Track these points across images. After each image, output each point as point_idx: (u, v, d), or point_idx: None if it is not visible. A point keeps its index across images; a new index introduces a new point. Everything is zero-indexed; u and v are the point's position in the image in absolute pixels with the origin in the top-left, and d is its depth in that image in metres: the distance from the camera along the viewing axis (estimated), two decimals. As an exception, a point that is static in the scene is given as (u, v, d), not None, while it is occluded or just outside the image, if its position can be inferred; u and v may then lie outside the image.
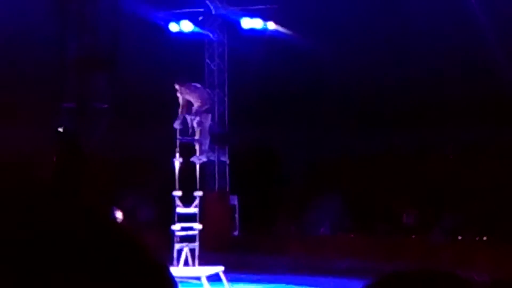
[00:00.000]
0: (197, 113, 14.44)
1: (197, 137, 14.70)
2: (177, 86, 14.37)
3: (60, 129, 19.69)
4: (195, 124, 14.57)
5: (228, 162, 21.07)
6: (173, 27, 20.35)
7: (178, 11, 20.48)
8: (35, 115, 18.98)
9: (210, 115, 14.84)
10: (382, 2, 19.69)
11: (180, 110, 14.43)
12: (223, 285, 13.77)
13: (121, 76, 19.09)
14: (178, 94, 14.34)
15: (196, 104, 14.41)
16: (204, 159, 15.04)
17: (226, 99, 21.11)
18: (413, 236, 18.23)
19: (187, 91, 14.32)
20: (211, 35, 20.84)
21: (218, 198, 20.20)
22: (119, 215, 15.36)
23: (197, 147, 14.86)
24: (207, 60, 20.99)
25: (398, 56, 19.50)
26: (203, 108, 14.43)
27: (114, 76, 19.27)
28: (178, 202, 14.68)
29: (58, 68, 19.57)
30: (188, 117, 14.53)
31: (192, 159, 14.77)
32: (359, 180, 19.93)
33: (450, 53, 19.14)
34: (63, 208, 1.09)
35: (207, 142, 14.90)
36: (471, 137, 19.26)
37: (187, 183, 15.10)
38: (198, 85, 14.56)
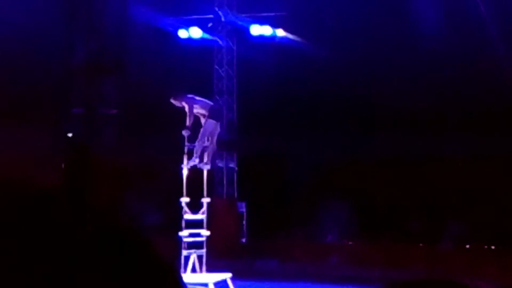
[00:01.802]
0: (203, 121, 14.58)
1: (206, 144, 14.75)
2: (173, 101, 14.52)
3: (69, 135, 19.75)
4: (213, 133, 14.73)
5: (236, 168, 21.05)
6: (182, 33, 20.37)
7: (187, 17, 20.51)
8: (43, 120, 19.03)
9: (217, 123, 14.88)
10: (392, 8, 19.66)
11: (188, 119, 14.54)
12: (230, 291, 13.76)
13: (130, 82, 19.12)
14: (184, 106, 14.46)
15: (199, 113, 14.57)
16: (208, 167, 15.06)
17: (234, 106, 21.10)
18: (421, 244, 18.17)
19: (183, 103, 14.46)
20: (220, 41, 20.85)
21: (226, 204, 20.19)
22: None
23: (205, 153, 14.89)
24: (216, 67, 21.00)
25: (408, 62, 19.47)
26: (204, 116, 14.57)
27: (122, 81, 19.31)
28: (185, 208, 14.68)
29: (66, 73, 19.62)
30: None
31: (199, 165, 14.81)
32: (367, 187, 19.90)
33: (460, 59, 19.11)
34: (77, 211, 1.09)
35: (209, 148, 14.92)
36: (480, 144, 19.20)
37: (196, 189, 15.11)
38: (190, 95, 14.66)
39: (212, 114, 14.70)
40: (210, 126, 14.58)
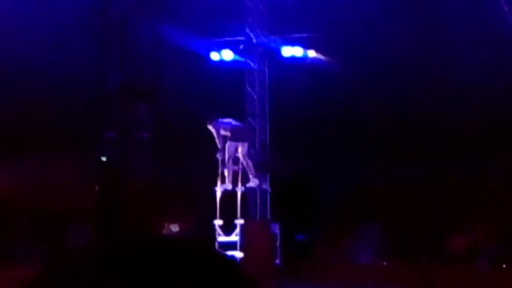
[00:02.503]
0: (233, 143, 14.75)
1: (235, 166, 14.90)
2: (208, 126, 14.74)
3: (103, 159, 19.88)
4: (239, 154, 14.82)
5: (269, 190, 21.00)
6: (214, 56, 20.48)
7: (219, 40, 20.61)
8: (77, 144, 19.21)
9: (242, 144, 15.03)
10: (425, 25, 19.59)
11: (217, 142, 14.75)
12: (264, 314, 13.73)
13: (163, 105, 19.24)
14: (212, 131, 14.68)
15: (225, 135, 14.80)
16: (253, 184, 15.21)
17: (267, 127, 21.08)
18: (457, 265, 17.98)
19: (210, 127, 14.68)
20: (252, 63, 20.92)
21: (259, 226, 20.12)
22: (175, 228, 15.56)
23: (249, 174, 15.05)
24: (248, 89, 21.03)
25: (442, 83, 19.37)
26: (232, 138, 14.78)
27: (155, 105, 19.43)
28: (219, 230, 14.72)
29: (100, 98, 19.80)
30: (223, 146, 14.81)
31: (248, 184, 15.04)
32: (401, 207, 19.75)
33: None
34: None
35: (246, 168, 15.07)
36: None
37: (229, 211, 15.16)
38: (219, 119, 14.86)
39: (233, 135, 14.80)
40: (231, 148, 14.71)
